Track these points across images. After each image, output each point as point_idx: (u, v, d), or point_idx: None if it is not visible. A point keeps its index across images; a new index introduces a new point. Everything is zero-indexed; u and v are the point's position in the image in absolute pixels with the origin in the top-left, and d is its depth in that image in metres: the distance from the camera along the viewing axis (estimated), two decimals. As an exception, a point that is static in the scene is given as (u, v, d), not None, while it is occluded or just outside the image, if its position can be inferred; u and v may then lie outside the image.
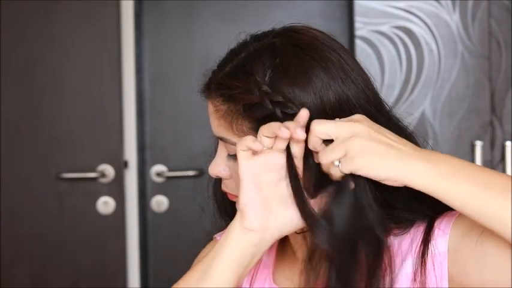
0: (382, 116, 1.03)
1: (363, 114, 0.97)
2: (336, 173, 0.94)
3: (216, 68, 1.06)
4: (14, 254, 2.68)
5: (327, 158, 0.93)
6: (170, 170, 2.82)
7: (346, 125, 0.94)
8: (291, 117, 0.97)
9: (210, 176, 1.11)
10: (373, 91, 1.04)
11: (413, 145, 0.95)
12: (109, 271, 2.69)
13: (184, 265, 1.18)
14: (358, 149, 0.91)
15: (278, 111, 0.98)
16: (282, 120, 0.97)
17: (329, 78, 1.00)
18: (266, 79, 0.99)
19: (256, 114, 0.99)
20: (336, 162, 0.93)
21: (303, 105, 0.98)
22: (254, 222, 0.97)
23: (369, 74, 1.05)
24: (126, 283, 2.71)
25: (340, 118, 0.97)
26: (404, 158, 0.91)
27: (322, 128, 0.94)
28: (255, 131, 0.99)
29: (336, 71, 1.00)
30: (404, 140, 0.95)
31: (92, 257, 2.69)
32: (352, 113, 0.98)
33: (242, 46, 1.05)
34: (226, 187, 1.09)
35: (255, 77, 0.99)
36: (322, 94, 0.99)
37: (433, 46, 2.44)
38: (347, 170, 0.92)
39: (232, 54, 1.05)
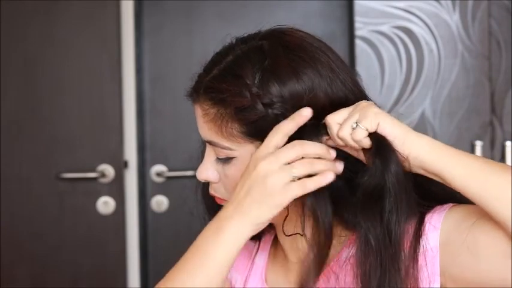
0: None
1: None
2: (360, 137, 0.94)
3: (202, 71, 1.06)
4: (14, 254, 2.68)
5: (345, 124, 0.95)
6: (170, 170, 2.82)
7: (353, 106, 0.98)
8: (282, 118, 0.98)
9: (198, 180, 1.10)
10: (362, 91, 1.05)
11: None
12: (109, 271, 2.69)
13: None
14: (369, 106, 0.96)
15: (270, 112, 0.98)
16: (274, 122, 0.98)
17: (319, 78, 1.00)
18: (256, 81, 0.99)
19: (248, 117, 0.99)
20: (353, 124, 0.95)
21: (293, 106, 0.98)
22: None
23: (357, 75, 1.06)
24: (126, 283, 2.71)
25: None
26: (413, 132, 0.97)
27: (336, 115, 0.97)
28: (245, 135, 1.00)
29: (325, 71, 1.01)
30: None
31: (92, 257, 2.69)
32: None
33: (228, 49, 1.05)
34: (214, 191, 1.08)
35: (244, 80, 0.99)
36: (312, 94, 0.99)
37: (433, 46, 2.44)
38: (368, 124, 0.94)
39: (219, 57, 1.05)
